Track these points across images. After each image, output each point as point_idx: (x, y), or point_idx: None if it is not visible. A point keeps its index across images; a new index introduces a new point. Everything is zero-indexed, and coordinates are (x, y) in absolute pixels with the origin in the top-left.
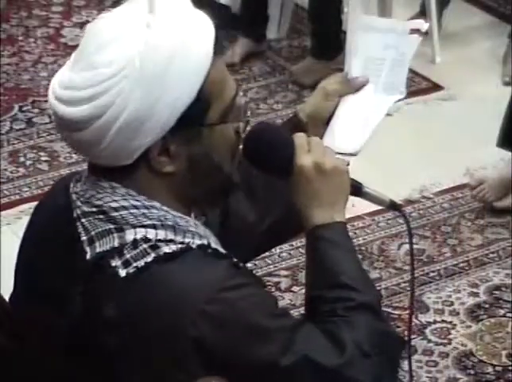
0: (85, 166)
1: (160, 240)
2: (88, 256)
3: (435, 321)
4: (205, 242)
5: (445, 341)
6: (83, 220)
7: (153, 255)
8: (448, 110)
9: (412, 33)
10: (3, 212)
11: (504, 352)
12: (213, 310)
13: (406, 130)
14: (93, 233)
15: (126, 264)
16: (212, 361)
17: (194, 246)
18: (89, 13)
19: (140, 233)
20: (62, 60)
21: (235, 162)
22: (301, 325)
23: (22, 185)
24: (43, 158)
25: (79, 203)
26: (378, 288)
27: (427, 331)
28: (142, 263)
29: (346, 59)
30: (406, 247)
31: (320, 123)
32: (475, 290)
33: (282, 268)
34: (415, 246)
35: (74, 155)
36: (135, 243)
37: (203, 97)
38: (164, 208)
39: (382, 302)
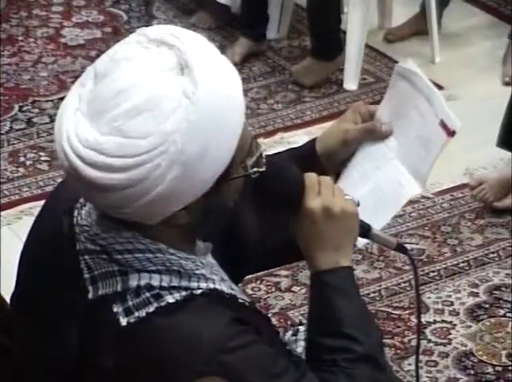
0: None
1: (163, 288)
2: (90, 296)
3: (435, 321)
4: (211, 285)
5: (445, 341)
6: (86, 257)
7: (155, 305)
8: None
9: (441, 125)
10: (3, 212)
11: (504, 352)
12: (210, 372)
13: None
14: (96, 273)
15: (128, 312)
16: None
17: (198, 292)
18: (89, 13)
19: (144, 279)
20: (62, 60)
21: (240, 195)
22: (299, 379)
23: (22, 185)
24: (43, 158)
25: (82, 238)
26: (378, 288)
27: (427, 331)
28: (144, 314)
29: (346, 65)
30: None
31: (334, 163)
32: (475, 290)
33: (282, 268)
34: (415, 246)
35: None
36: (138, 290)
37: (232, 158)
38: (171, 250)
39: (382, 302)
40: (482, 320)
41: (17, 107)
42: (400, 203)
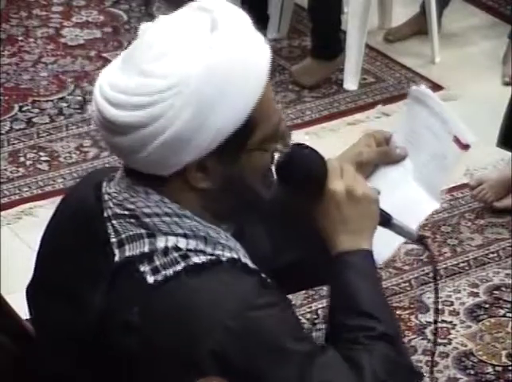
0: (85, 166)
1: (190, 250)
2: (117, 258)
3: (435, 321)
4: (235, 255)
5: (445, 341)
6: (113, 222)
7: (182, 264)
8: None
9: (455, 140)
10: (3, 212)
11: (504, 352)
12: (236, 327)
13: None
14: (123, 236)
15: (155, 271)
16: (227, 377)
17: (224, 259)
18: (89, 13)
19: (171, 241)
20: (62, 60)
21: (267, 180)
22: (322, 351)
23: (22, 185)
24: (43, 158)
25: (111, 204)
26: None
27: (427, 331)
28: (171, 272)
29: (346, 65)
30: (406, 247)
31: None
32: (475, 290)
33: None
34: (415, 246)
35: (74, 155)
36: (166, 251)
37: (250, 122)
38: (196, 218)
39: None
40: (482, 320)
41: (17, 107)
42: (417, 220)
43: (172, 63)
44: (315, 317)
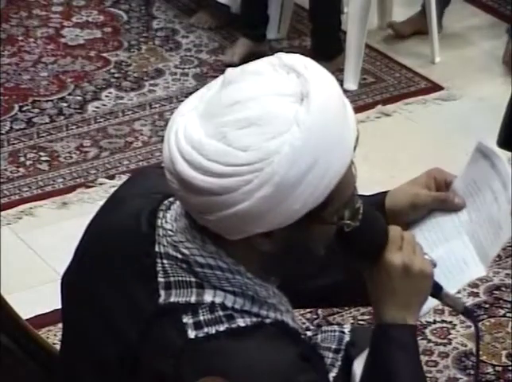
0: (85, 166)
1: (236, 310)
2: (161, 300)
3: (435, 321)
4: (278, 316)
5: (445, 341)
6: (164, 261)
7: (226, 325)
8: (447, 110)
9: None
10: (3, 212)
11: (504, 352)
12: None
13: (406, 130)
14: (172, 279)
15: (198, 326)
16: None
17: (268, 321)
18: (89, 13)
19: (219, 297)
20: (62, 60)
21: (327, 244)
22: None
23: (22, 185)
24: (43, 158)
25: (164, 242)
26: None
27: (427, 331)
28: (213, 331)
29: (346, 65)
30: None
31: (399, 223)
32: (475, 290)
33: None
34: None
35: (74, 155)
36: (212, 307)
37: (327, 198)
38: (249, 274)
39: None
40: (482, 320)
41: (17, 107)
42: (461, 283)
43: (255, 136)
44: (315, 317)
